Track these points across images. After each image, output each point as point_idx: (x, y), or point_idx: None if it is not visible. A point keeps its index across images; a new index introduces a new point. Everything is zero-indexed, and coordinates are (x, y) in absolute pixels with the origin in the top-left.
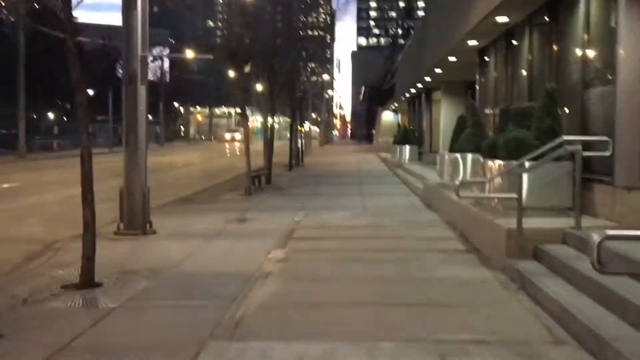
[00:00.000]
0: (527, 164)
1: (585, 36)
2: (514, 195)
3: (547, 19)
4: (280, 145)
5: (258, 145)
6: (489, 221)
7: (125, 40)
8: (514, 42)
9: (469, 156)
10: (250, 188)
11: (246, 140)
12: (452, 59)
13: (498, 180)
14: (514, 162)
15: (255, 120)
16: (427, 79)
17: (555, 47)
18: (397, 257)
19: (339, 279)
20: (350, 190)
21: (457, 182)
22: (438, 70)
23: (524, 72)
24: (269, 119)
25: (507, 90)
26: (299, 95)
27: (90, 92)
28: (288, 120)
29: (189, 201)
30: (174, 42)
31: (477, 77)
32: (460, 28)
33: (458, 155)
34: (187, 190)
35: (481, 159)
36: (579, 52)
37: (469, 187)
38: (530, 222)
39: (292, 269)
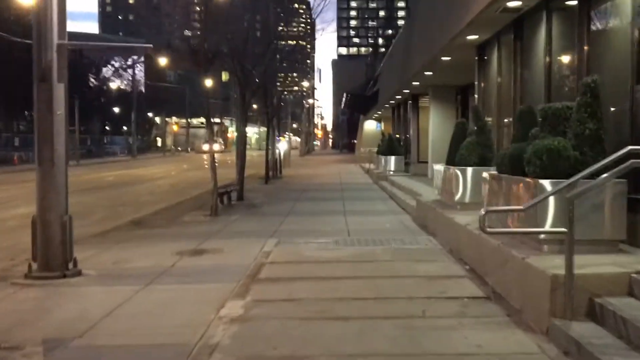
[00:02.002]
0: (567, 183)
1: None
2: (563, 230)
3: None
4: (259, 155)
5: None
6: (519, 261)
7: (36, 25)
8: (526, 33)
9: (470, 171)
10: (217, 207)
11: (211, 152)
12: (445, 58)
13: (514, 202)
14: (545, 182)
15: (234, 131)
16: (415, 83)
17: (587, 34)
18: (395, 312)
19: (314, 355)
20: (332, 207)
21: (482, 212)
22: (428, 73)
23: (540, 68)
24: (241, 127)
25: (516, 91)
26: (275, 102)
27: None
28: (275, 130)
29: (141, 225)
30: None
31: (476, 77)
32: (458, 20)
33: (457, 171)
34: (146, 209)
35: (485, 175)
36: (625, 34)
37: (479, 210)
38: (578, 263)
39: (249, 336)
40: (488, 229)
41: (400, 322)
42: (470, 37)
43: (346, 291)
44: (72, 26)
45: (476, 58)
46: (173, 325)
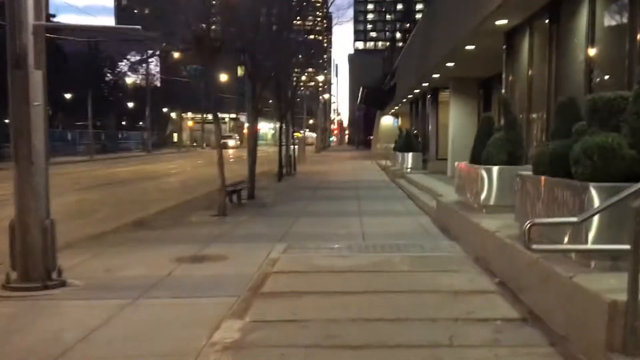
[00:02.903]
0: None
1: None
2: (625, 247)
3: None
4: (275, 152)
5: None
6: (564, 280)
7: (9, 3)
8: (563, 16)
9: (498, 170)
10: (225, 207)
11: (218, 147)
12: (469, 47)
13: (556, 209)
14: (598, 186)
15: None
16: (435, 75)
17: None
18: (417, 338)
19: None
20: (346, 207)
21: (526, 226)
22: (449, 64)
23: (579, 55)
24: (252, 122)
25: (550, 82)
26: (289, 97)
27: (68, 95)
28: (289, 125)
29: (143, 225)
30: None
31: (504, 68)
32: (487, 2)
33: (483, 170)
34: (152, 207)
35: (520, 175)
36: None
37: (508, 214)
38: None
39: None
40: (534, 246)
41: (424, 353)
42: (499, 22)
43: (359, 310)
44: (88, 20)
45: (504, 46)
46: (156, 353)
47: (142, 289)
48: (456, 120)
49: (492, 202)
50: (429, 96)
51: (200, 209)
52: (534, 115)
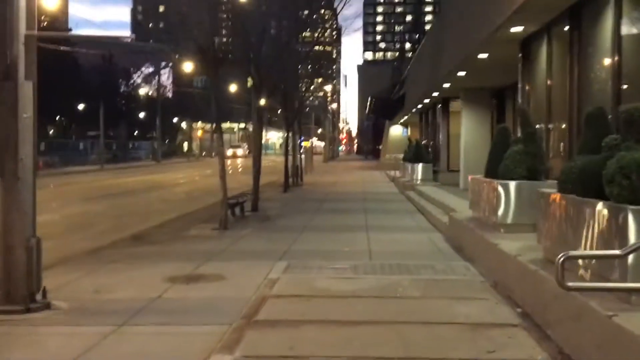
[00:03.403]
0: None
1: None
2: None
3: None
4: (283, 162)
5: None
6: (602, 319)
7: (0, 13)
8: (585, 22)
9: (517, 185)
10: (226, 220)
11: (220, 157)
12: (482, 56)
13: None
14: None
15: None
16: (446, 85)
17: None
18: None
19: None
20: (353, 221)
21: (560, 260)
22: (461, 73)
23: (605, 63)
24: (256, 131)
25: (572, 92)
26: (296, 106)
27: (81, 106)
28: (296, 135)
29: (141, 239)
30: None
31: (520, 77)
32: (503, 7)
33: (500, 185)
34: (154, 220)
35: (543, 193)
36: None
37: (529, 233)
38: None
39: None
40: (570, 284)
41: None
42: (515, 30)
43: (364, 345)
44: (107, 33)
45: (520, 55)
46: None
47: (128, 313)
48: (468, 131)
49: (510, 220)
50: (439, 106)
51: (202, 222)
52: (552, 127)
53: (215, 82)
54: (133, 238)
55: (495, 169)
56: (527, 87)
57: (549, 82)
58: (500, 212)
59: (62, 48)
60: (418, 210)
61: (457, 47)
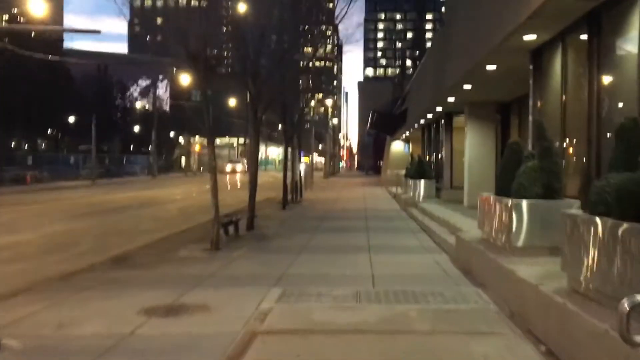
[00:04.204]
0: None
1: None
2: None
3: None
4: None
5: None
6: None
7: None
8: (606, 27)
9: (532, 205)
10: (217, 241)
11: (212, 173)
12: (490, 67)
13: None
14: None
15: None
16: (450, 99)
17: None
18: None
19: None
20: (354, 241)
21: (625, 308)
22: (466, 87)
23: (632, 72)
24: (253, 146)
25: (592, 104)
26: (295, 120)
27: (75, 119)
28: (296, 150)
29: (123, 262)
30: (175, 69)
31: (531, 89)
32: (515, 14)
33: (514, 204)
34: (141, 239)
35: (570, 215)
36: None
37: (547, 257)
38: None
39: None
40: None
41: None
42: (527, 38)
43: None
44: (102, 47)
45: (531, 67)
46: None
47: (93, 354)
48: (473, 147)
49: (524, 242)
50: (442, 121)
51: (193, 242)
52: (567, 142)
53: (206, 90)
54: (114, 260)
55: (507, 187)
56: (538, 100)
57: (563, 94)
58: (514, 233)
59: (50, 57)
60: (421, 229)
61: (463, 58)
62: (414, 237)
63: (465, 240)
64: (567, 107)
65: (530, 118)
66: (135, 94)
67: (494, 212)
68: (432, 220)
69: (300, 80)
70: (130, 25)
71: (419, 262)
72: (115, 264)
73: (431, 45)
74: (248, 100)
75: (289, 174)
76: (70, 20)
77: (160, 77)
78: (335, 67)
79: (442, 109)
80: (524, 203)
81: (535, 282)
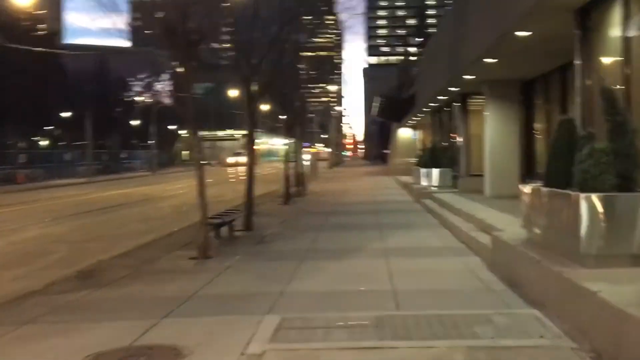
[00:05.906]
0: None
1: None
2: None
3: None
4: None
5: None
6: None
7: None
8: None
9: (608, 199)
10: (207, 246)
11: (198, 167)
12: (522, 34)
13: None
14: None
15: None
16: (467, 77)
17: None
18: None
19: None
20: (366, 242)
21: None
22: (489, 61)
23: None
24: (249, 134)
25: None
26: (296, 108)
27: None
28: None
29: (89, 278)
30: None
31: (579, 56)
32: None
33: (582, 200)
34: (122, 245)
35: None
36: None
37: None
38: None
39: None
40: None
41: None
42: None
43: None
44: (100, 42)
45: (576, 31)
46: None
47: None
48: (494, 131)
49: (598, 249)
50: (456, 104)
51: (180, 247)
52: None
53: (189, 72)
54: (80, 276)
55: (562, 176)
56: (586, 67)
57: (625, 59)
58: (584, 237)
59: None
60: (441, 224)
61: (487, 27)
62: (435, 235)
63: (506, 242)
64: (633, 73)
65: (603, 84)
66: (135, 88)
67: (549, 208)
68: (452, 213)
69: (300, 65)
70: (132, 20)
71: (448, 270)
72: (80, 280)
73: (441, 21)
74: (241, 80)
75: (292, 165)
76: (71, 18)
77: (162, 73)
78: (339, 54)
79: (458, 90)
80: (596, 197)
81: (632, 312)
